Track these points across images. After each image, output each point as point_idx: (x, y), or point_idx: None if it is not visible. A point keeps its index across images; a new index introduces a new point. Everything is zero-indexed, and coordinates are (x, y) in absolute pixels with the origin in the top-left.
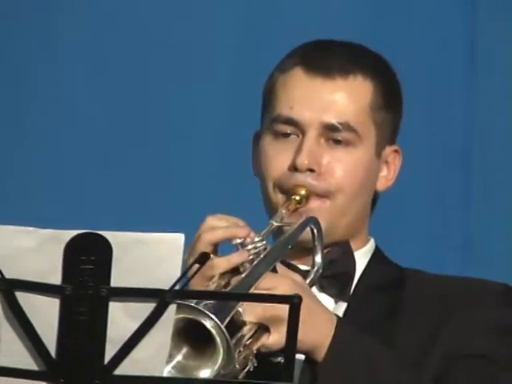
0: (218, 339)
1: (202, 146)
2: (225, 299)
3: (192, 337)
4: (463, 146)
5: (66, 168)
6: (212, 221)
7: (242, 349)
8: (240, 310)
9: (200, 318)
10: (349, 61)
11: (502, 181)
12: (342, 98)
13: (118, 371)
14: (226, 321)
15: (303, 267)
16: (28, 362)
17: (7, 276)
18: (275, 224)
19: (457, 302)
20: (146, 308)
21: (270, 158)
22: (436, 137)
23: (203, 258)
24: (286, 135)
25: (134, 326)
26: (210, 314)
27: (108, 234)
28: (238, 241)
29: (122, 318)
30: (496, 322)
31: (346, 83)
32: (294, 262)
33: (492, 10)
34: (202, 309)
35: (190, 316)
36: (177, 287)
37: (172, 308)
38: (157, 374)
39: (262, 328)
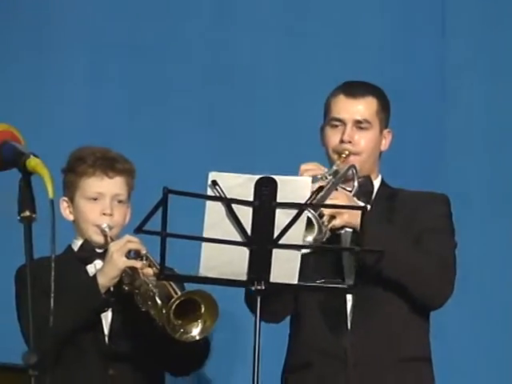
0: (314, 222)
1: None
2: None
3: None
4: None
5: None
6: (304, 166)
7: (323, 227)
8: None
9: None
10: (365, 90)
11: None
12: (362, 108)
13: (280, 242)
14: (318, 212)
15: (348, 188)
16: (237, 238)
17: (228, 197)
18: (335, 168)
19: (423, 203)
20: (292, 212)
21: (329, 137)
22: None
23: (318, 191)
24: (336, 126)
25: (287, 220)
26: (311, 210)
27: (275, 177)
28: (319, 176)
29: (281, 217)
30: (439, 211)
31: (364, 100)
32: (343, 186)
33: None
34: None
35: None
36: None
37: (305, 213)
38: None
39: (332, 216)
